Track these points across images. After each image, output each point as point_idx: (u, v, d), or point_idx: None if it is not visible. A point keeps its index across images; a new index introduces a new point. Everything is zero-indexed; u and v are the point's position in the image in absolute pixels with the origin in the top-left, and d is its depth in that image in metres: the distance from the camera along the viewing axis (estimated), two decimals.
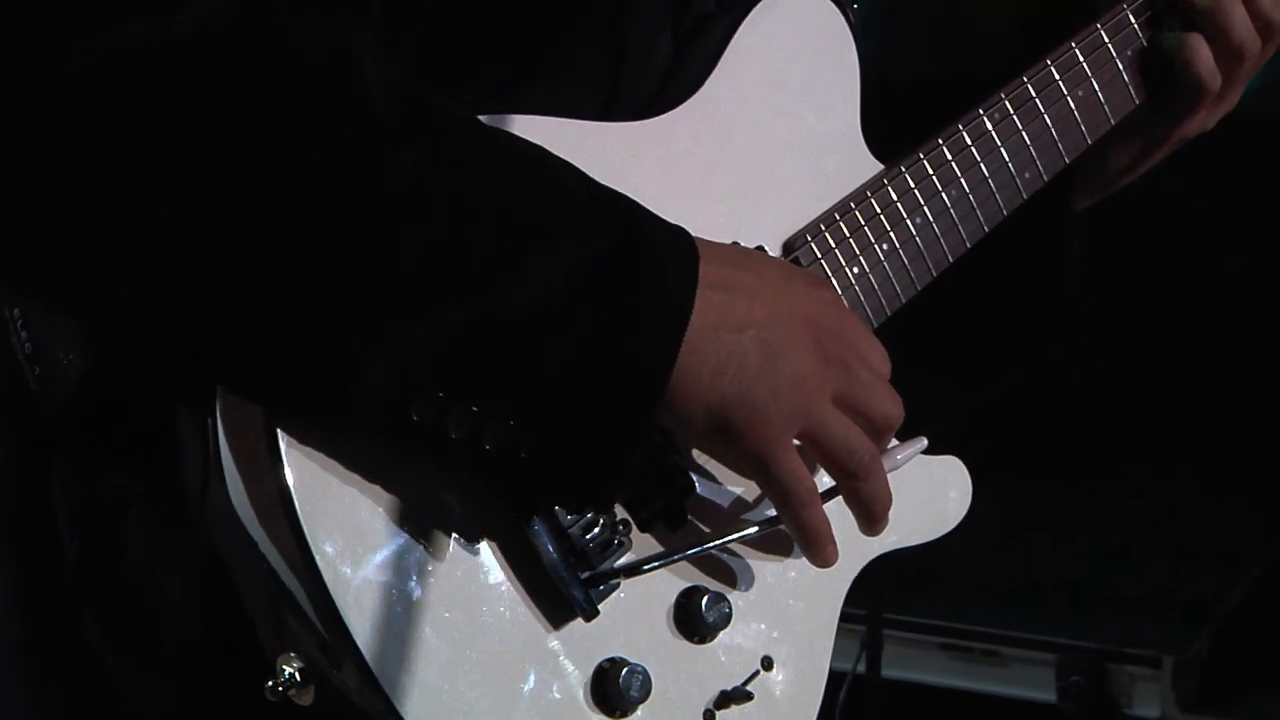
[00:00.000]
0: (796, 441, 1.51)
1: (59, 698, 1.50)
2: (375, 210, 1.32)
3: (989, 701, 4.29)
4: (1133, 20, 1.91)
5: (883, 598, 3.92)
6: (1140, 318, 6.63)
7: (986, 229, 1.82)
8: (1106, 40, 1.89)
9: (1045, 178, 1.87)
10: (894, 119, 1.79)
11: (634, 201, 1.45)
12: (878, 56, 1.69)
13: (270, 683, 1.38)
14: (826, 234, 1.70)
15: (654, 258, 1.42)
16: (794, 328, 1.49)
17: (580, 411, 1.38)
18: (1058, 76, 1.87)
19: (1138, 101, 1.93)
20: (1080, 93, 1.88)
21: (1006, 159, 1.83)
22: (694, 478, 1.59)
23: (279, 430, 1.36)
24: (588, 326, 1.37)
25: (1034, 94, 1.85)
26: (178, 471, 1.42)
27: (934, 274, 1.78)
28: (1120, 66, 1.90)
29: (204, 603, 1.43)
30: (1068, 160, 1.89)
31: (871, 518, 1.57)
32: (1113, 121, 1.92)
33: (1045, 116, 1.86)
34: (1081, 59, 1.88)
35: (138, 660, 1.45)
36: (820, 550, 1.54)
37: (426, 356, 1.33)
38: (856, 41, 1.76)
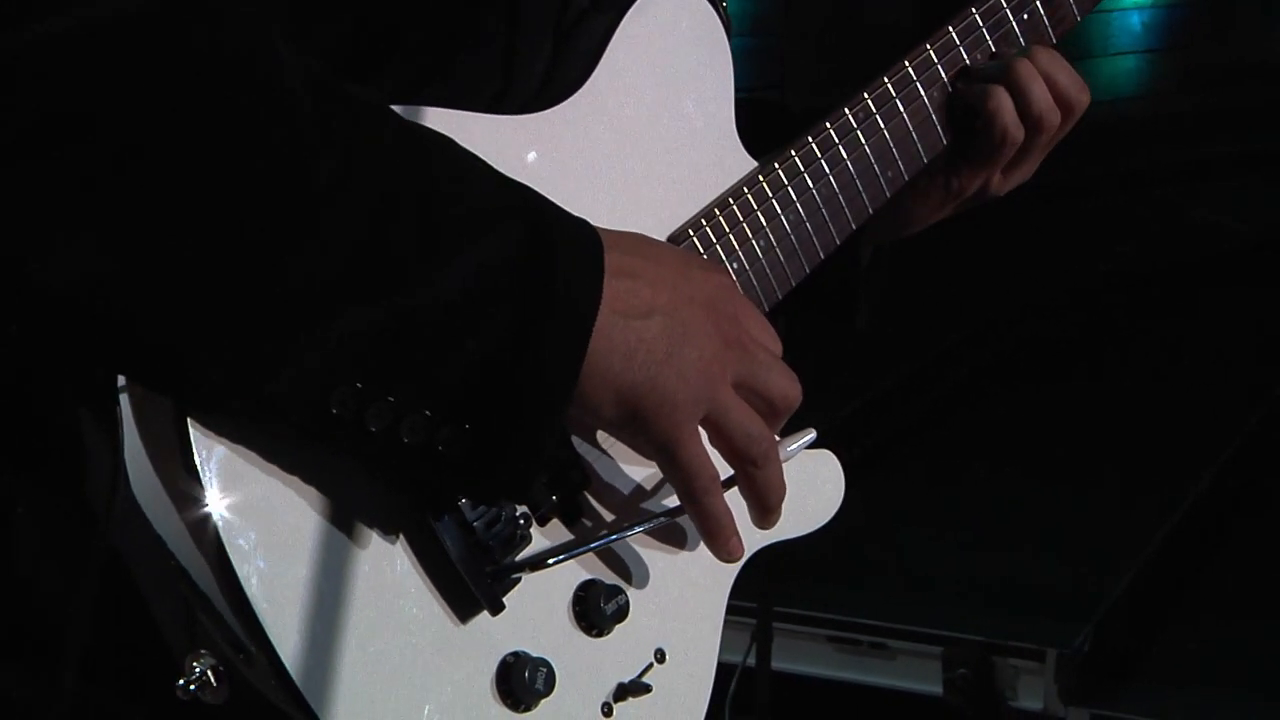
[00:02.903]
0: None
1: None
2: (301, 207, 1.29)
3: (876, 693, 4.37)
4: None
5: (772, 591, 3.97)
6: (1014, 317, 6.85)
7: (854, 226, 1.85)
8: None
9: (905, 176, 1.90)
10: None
11: (538, 193, 1.45)
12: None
13: (181, 681, 1.34)
14: (708, 228, 1.71)
15: (562, 249, 1.42)
16: (695, 312, 1.49)
17: (497, 401, 1.36)
18: (915, 78, 1.89)
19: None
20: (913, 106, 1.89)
21: (870, 157, 1.86)
22: (591, 469, 1.59)
23: (190, 423, 1.33)
24: (503, 318, 1.36)
25: (894, 94, 1.88)
26: (75, 467, 1.37)
27: (807, 270, 1.80)
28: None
29: (102, 602, 1.38)
30: (925, 159, 1.92)
31: (766, 507, 1.58)
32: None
33: (904, 115, 1.89)
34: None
35: (27, 663, 1.39)
36: (725, 541, 1.54)
37: (346, 350, 1.31)
38: (729, 38, 1.78)
